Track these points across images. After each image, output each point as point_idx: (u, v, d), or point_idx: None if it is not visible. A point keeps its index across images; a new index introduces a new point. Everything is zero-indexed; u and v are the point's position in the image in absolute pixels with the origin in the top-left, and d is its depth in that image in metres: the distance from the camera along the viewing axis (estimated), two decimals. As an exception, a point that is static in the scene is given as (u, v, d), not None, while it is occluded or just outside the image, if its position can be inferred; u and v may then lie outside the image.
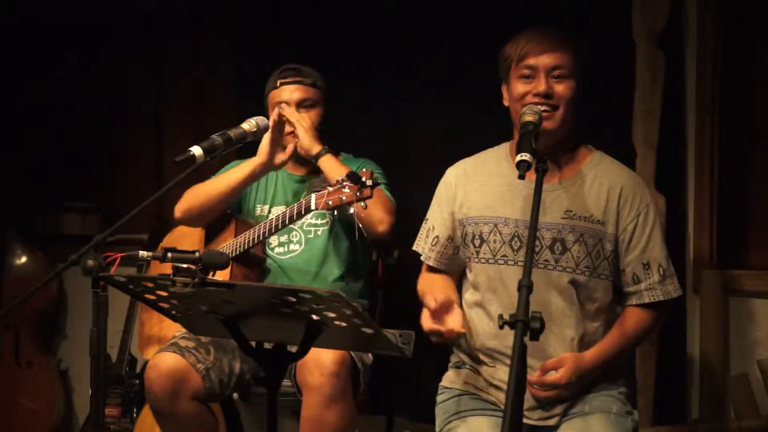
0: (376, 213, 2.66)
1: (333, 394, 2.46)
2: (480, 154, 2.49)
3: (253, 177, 2.77)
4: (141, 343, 3.03)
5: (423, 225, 2.53)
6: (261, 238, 2.71)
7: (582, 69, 2.31)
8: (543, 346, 2.24)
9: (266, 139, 2.69)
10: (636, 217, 2.30)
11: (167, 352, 2.60)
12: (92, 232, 3.78)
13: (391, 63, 3.39)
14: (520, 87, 2.29)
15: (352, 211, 2.41)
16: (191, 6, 3.88)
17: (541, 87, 2.25)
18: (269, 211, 2.90)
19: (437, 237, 2.46)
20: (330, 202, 2.42)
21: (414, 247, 2.54)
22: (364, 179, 2.39)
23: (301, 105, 2.82)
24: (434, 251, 2.47)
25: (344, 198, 2.40)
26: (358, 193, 2.39)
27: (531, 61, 2.27)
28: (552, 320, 2.24)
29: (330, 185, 2.46)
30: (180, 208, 2.87)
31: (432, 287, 2.41)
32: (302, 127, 2.75)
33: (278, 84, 2.84)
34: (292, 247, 2.84)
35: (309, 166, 2.86)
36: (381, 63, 3.41)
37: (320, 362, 2.44)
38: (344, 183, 2.40)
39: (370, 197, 2.40)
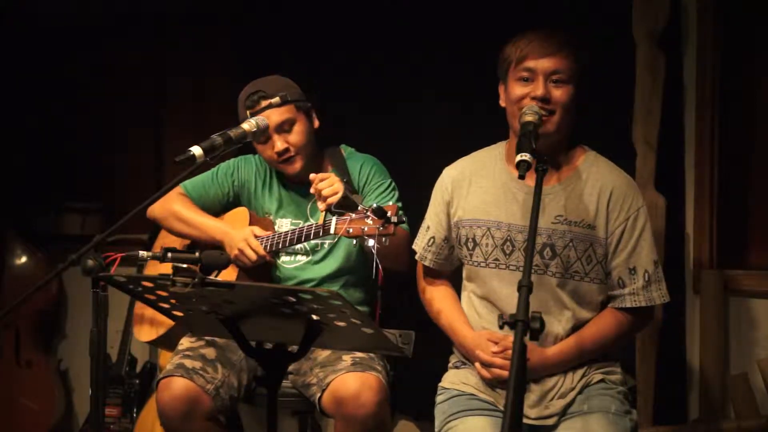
0: (403, 257, 2.64)
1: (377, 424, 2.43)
2: (475, 154, 2.48)
3: (213, 242, 2.75)
4: (135, 321, 2.99)
5: (422, 224, 2.53)
6: (274, 248, 2.68)
7: (582, 74, 2.28)
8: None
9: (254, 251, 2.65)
10: (625, 221, 2.29)
11: (176, 377, 2.52)
12: (92, 232, 3.76)
13: (391, 62, 3.39)
14: (517, 89, 2.27)
15: (372, 244, 2.27)
16: (191, 6, 3.88)
17: (539, 91, 2.23)
18: (273, 221, 2.87)
19: (433, 238, 2.47)
20: (351, 230, 2.30)
21: (413, 246, 2.55)
22: (389, 214, 2.25)
23: (279, 130, 2.69)
24: (430, 252, 2.49)
25: (366, 229, 2.27)
26: (380, 228, 2.25)
27: (530, 63, 2.25)
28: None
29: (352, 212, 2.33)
30: (152, 214, 2.86)
31: (453, 321, 2.43)
32: None
33: (248, 115, 2.61)
34: (298, 257, 2.82)
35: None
36: (381, 62, 3.40)
37: (360, 397, 2.40)
38: (368, 215, 2.27)
39: (393, 234, 2.27)
